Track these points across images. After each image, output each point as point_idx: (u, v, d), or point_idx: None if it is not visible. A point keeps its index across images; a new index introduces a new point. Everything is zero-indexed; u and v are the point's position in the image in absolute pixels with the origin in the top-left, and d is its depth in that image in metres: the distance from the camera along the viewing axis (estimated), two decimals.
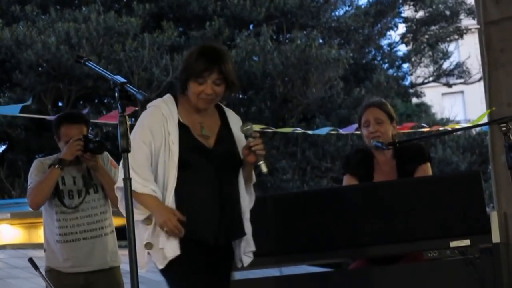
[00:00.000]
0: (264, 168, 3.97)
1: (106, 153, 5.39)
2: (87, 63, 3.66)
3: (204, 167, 4.02)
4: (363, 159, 5.06)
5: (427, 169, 4.95)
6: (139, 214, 3.93)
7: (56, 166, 5.21)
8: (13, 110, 8.03)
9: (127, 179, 3.38)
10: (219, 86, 4.03)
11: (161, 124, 4.01)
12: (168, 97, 4.13)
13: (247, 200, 4.13)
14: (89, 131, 5.50)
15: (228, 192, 4.05)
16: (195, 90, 4.03)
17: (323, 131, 10.95)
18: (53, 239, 5.30)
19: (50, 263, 5.36)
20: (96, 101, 20.72)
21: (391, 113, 5.08)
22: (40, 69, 18.87)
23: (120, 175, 3.85)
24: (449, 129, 10.72)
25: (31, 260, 5.36)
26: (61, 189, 5.32)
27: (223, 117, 4.20)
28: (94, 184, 5.34)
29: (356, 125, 10.09)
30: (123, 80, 3.43)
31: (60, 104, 20.00)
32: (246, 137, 4.03)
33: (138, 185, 3.89)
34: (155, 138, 3.99)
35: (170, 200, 3.97)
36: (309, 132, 11.06)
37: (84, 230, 5.26)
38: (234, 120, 4.21)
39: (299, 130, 9.60)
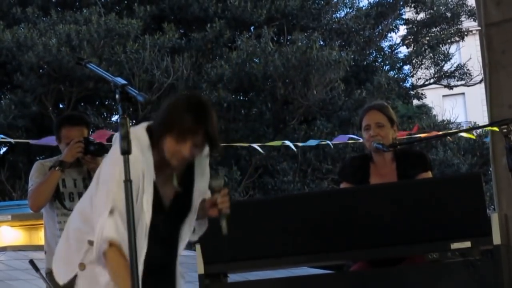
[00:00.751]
0: (224, 230, 3.69)
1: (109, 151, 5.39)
2: (88, 65, 3.66)
3: (160, 228, 3.67)
4: (359, 165, 5.06)
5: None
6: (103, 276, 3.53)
7: (57, 168, 5.22)
8: None
9: (128, 181, 3.35)
10: (199, 147, 3.62)
11: (139, 178, 3.53)
12: (147, 146, 3.59)
13: (185, 243, 3.82)
14: (90, 133, 5.51)
15: (173, 248, 3.78)
16: (171, 149, 3.59)
17: (313, 142, 10.96)
18: (54, 241, 5.30)
19: (51, 265, 5.35)
20: (97, 103, 20.73)
21: (392, 117, 5.08)
22: (41, 71, 18.87)
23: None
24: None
25: (31, 262, 5.36)
26: (62, 191, 5.32)
27: (190, 162, 3.75)
28: None
29: (349, 136, 10.12)
30: (124, 82, 3.42)
31: (61, 106, 20.02)
32: (214, 191, 3.73)
33: (125, 247, 3.34)
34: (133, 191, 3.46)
35: (139, 270, 3.43)
36: (299, 144, 11.07)
37: None
38: (200, 167, 3.79)
39: (287, 143, 9.62)
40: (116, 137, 3.60)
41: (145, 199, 3.57)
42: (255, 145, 9.98)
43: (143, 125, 3.71)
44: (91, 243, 3.60)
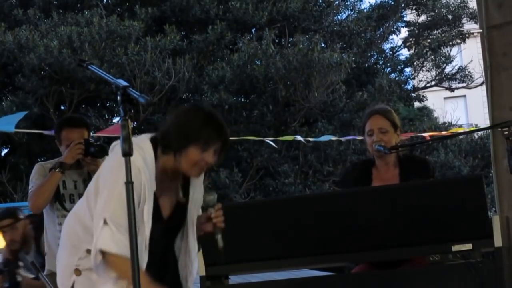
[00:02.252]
0: (220, 243, 3.74)
1: (107, 157, 5.39)
2: (89, 66, 3.66)
3: (158, 239, 3.69)
4: (360, 173, 5.05)
5: None
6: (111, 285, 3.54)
7: (57, 170, 5.22)
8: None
9: (129, 183, 3.35)
10: (218, 153, 3.72)
11: (140, 187, 3.57)
12: (151, 157, 3.65)
13: (194, 259, 3.87)
14: (91, 134, 5.51)
15: (168, 260, 3.82)
16: (196, 158, 3.65)
17: (325, 138, 10.96)
18: (55, 242, 5.30)
19: (52, 266, 5.36)
20: (98, 104, 20.72)
21: (395, 122, 5.06)
22: (42, 72, 18.87)
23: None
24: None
25: (33, 264, 5.36)
26: (62, 193, 5.32)
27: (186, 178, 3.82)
28: None
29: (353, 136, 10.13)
30: (125, 83, 3.42)
31: (62, 107, 20.02)
32: (208, 206, 3.81)
33: (126, 249, 3.35)
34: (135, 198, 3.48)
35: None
36: (311, 139, 11.08)
37: None
38: (195, 180, 3.84)
39: (299, 138, 9.65)
40: (115, 144, 3.64)
41: (145, 210, 3.59)
42: (268, 140, 10.01)
43: (147, 136, 3.75)
44: (88, 251, 3.63)
